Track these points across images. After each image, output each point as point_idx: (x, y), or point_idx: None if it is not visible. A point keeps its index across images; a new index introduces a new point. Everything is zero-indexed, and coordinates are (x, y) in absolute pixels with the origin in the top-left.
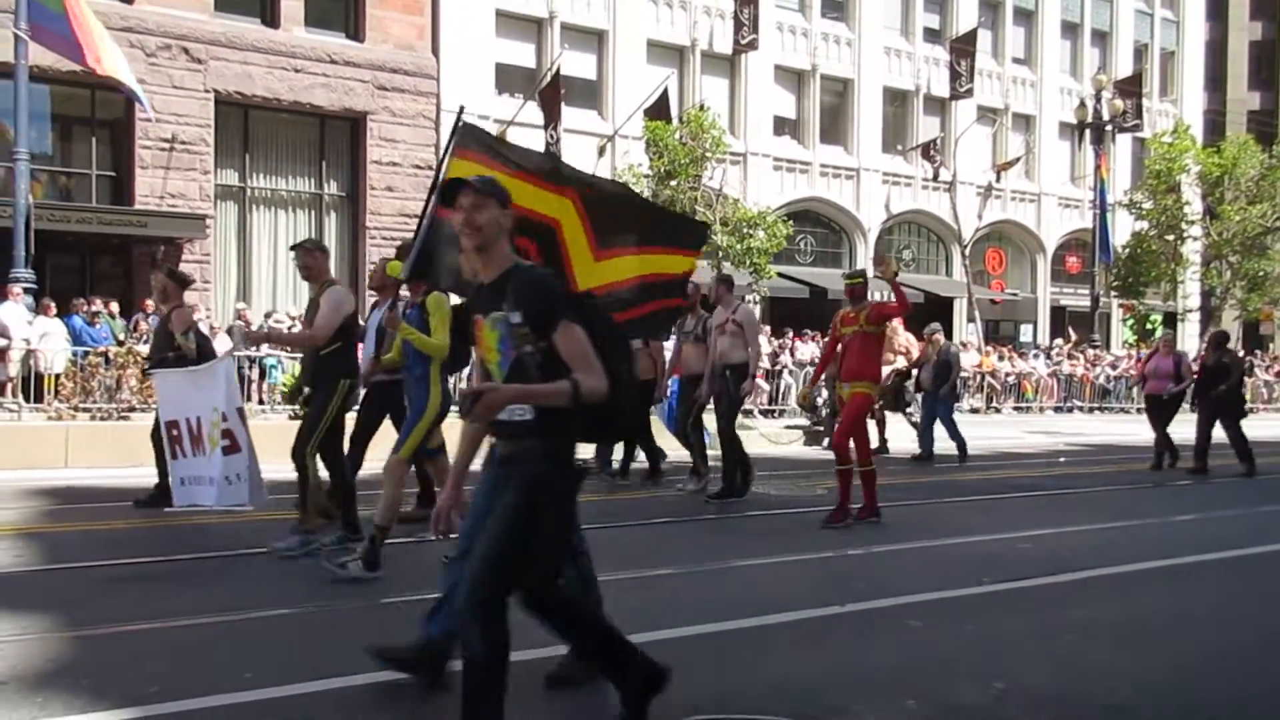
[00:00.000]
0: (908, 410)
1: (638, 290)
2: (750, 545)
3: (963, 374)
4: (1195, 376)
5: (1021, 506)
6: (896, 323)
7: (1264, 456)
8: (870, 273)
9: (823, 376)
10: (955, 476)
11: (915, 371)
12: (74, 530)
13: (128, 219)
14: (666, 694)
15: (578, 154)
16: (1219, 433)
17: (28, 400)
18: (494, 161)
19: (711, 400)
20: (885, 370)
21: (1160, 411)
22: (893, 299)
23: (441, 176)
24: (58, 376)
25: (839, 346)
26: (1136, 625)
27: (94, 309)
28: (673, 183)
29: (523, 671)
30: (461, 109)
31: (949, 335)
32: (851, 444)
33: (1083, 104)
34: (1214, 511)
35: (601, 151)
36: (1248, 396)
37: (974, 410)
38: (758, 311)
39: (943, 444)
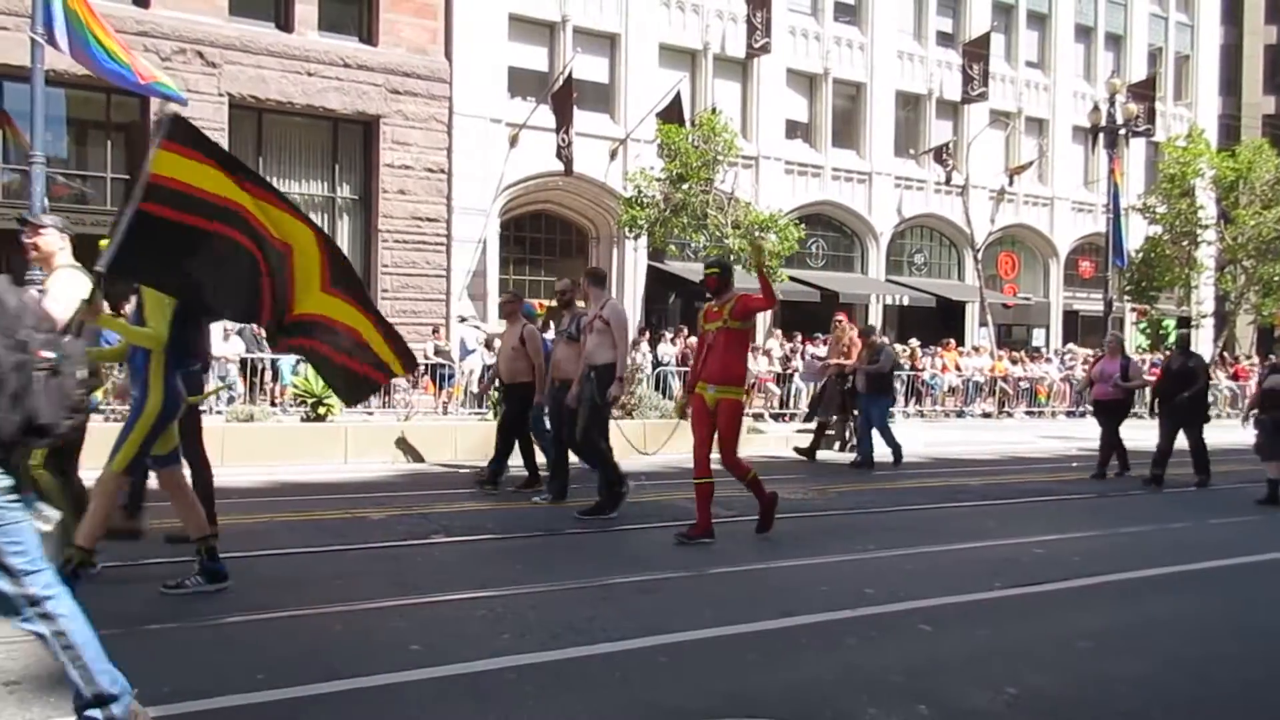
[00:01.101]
0: (855, 414)
1: (354, 344)
2: (760, 549)
3: (899, 373)
4: (1155, 380)
5: (1034, 511)
6: (844, 321)
7: (1231, 464)
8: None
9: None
10: (965, 481)
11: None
12: None
13: None
14: (678, 697)
15: (590, 157)
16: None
17: None
18: (204, 158)
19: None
20: (814, 365)
21: (1108, 416)
22: (760, 292)
23: (147, 169)
24: None
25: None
26: (1149, 631)
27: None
28: (685, 186)
29: (533, 672)
30: (175, 113)
31: (961, 339)
32: (723, 456)
33: (1096, 108)
34: (1224, 518)
35: (613, 155)
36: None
37: (986, 415)
38: (767, 316)
39: (941, 447)
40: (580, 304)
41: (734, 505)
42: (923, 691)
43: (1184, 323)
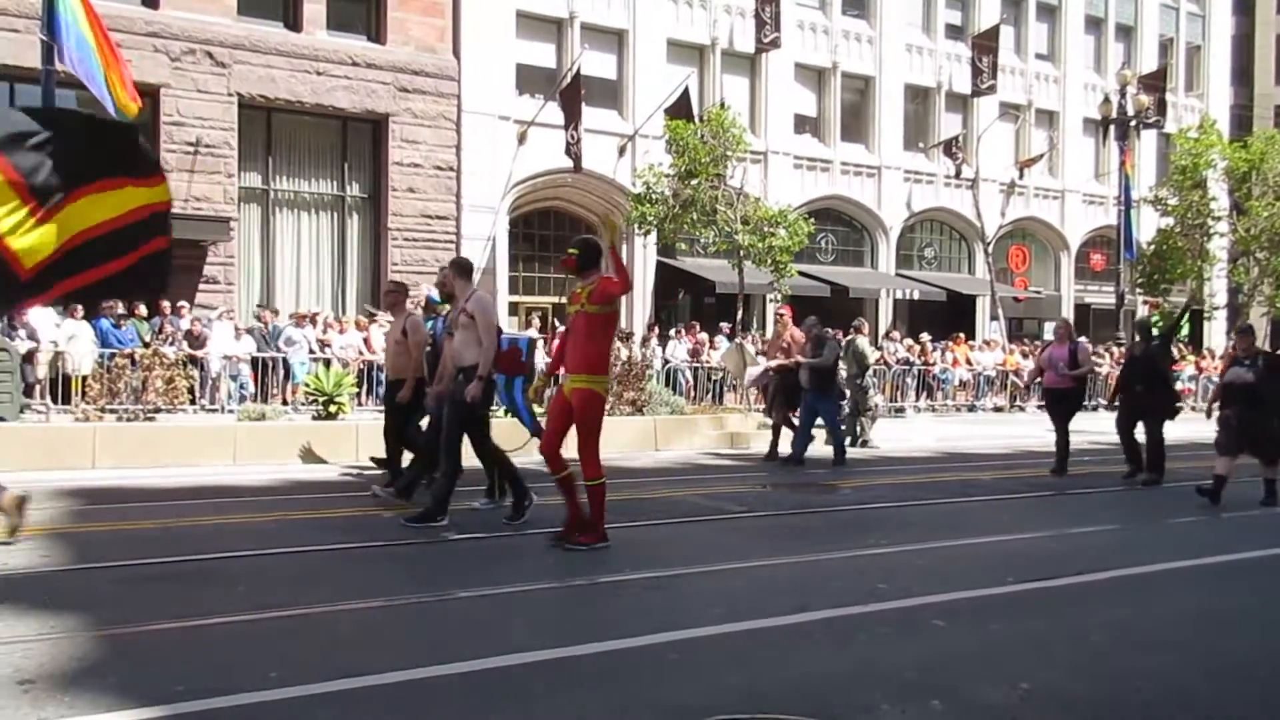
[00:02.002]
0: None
1: (114, 240)
2: (772, 545)
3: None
4: (1119, 368)
5: (1046, 506)
6: (786, 316)
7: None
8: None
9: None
10: (976, 475)
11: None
12: (101, 530)
13: None
14: (689, 693)
15: (598, 154)
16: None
17: (56, 402)
18: None
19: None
20: (757, 369)
21: (1058, 406)
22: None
23: None
24: (85, 378)
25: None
26: (1164, 626)
27: (120, 311)
28: (694, 181)
29: (544, 669)
30: None
31: (971, 334)
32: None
33: (1107, 100)
34: (1237, 511)
35: (622, 151)
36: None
37: (997, 409)
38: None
39: (952, 442)
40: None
41: (745, 500)
42: (936, 686)
43: (1196, 314)
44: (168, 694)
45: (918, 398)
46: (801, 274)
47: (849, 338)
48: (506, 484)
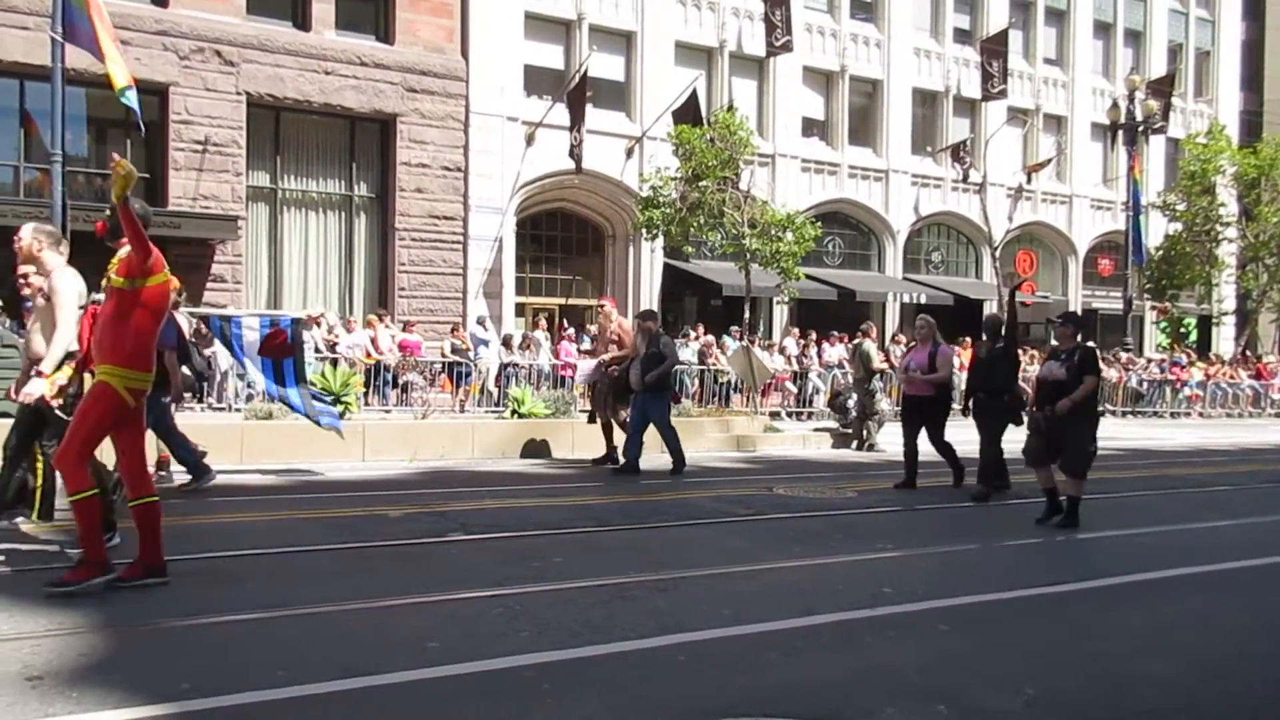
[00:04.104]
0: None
1: None
2: (778, 548)
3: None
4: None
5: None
6: (608, 307)
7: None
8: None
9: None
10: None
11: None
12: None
13: (161, 220)
14: (696, 695)
15: (606, 155)
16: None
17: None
18: None
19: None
20: (589, 364)
21: (918, 415)
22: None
23: None
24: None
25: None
26: (1173, 632)
27: None
28: (701, 184)
29: (551, 670)
30: None
31: (977, 338)
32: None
33: (1115, 105)
34: (1252, 518)
35: (629, 153)
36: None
37: None
38: (783, 314)
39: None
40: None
41: (752, 503)
42: (941, 691)
43: (1204, 320)
44: (175, 691)
45: None
46: (808, 277)
47: (856, 341)
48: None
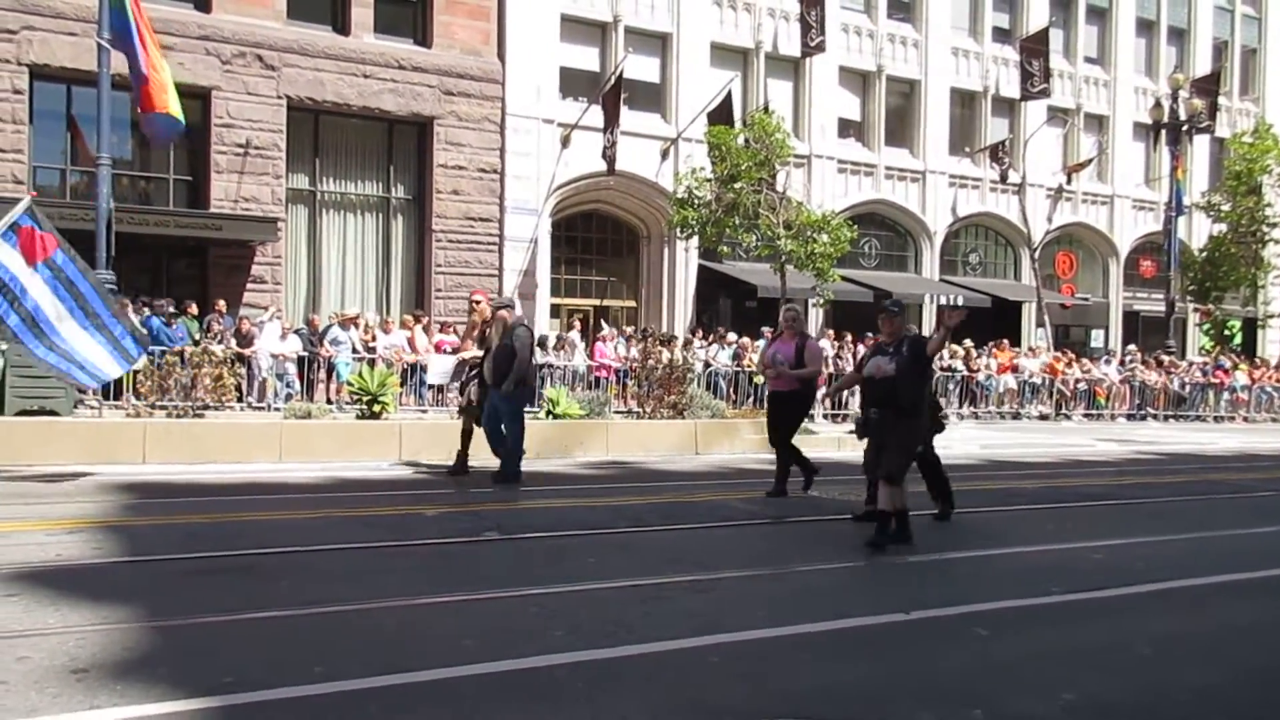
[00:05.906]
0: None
1: None
2: (812, 550)
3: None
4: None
5: (1092, 515)
6: (483, 302)
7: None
8: None
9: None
10: (1019, 484)
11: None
12: (152, 524)
13: (203, 222)
14: (731, 696)
15: (642, 157)
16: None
17: (107, 398)
18: None
19: None
20: (448, 361)
21: (779, 411)
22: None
23: None
24: (136, 375)
25: None
26: (1216, 640)
27: (170, 309)
28: (736, 185)
29: (585, 669)
30: None
31: (1016, 341)
32: None
33: (1158, 104)
34: None
35: (665, 154)
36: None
37: (1043, 417)
38: (819, 316)
39: (996, 449)
40: None
41: (785, 506)
42: (977, 696)
43: (1249, 322)
44: (217, 685)
45: (960, 404)
46: (844, 279)
47: None
48: None
